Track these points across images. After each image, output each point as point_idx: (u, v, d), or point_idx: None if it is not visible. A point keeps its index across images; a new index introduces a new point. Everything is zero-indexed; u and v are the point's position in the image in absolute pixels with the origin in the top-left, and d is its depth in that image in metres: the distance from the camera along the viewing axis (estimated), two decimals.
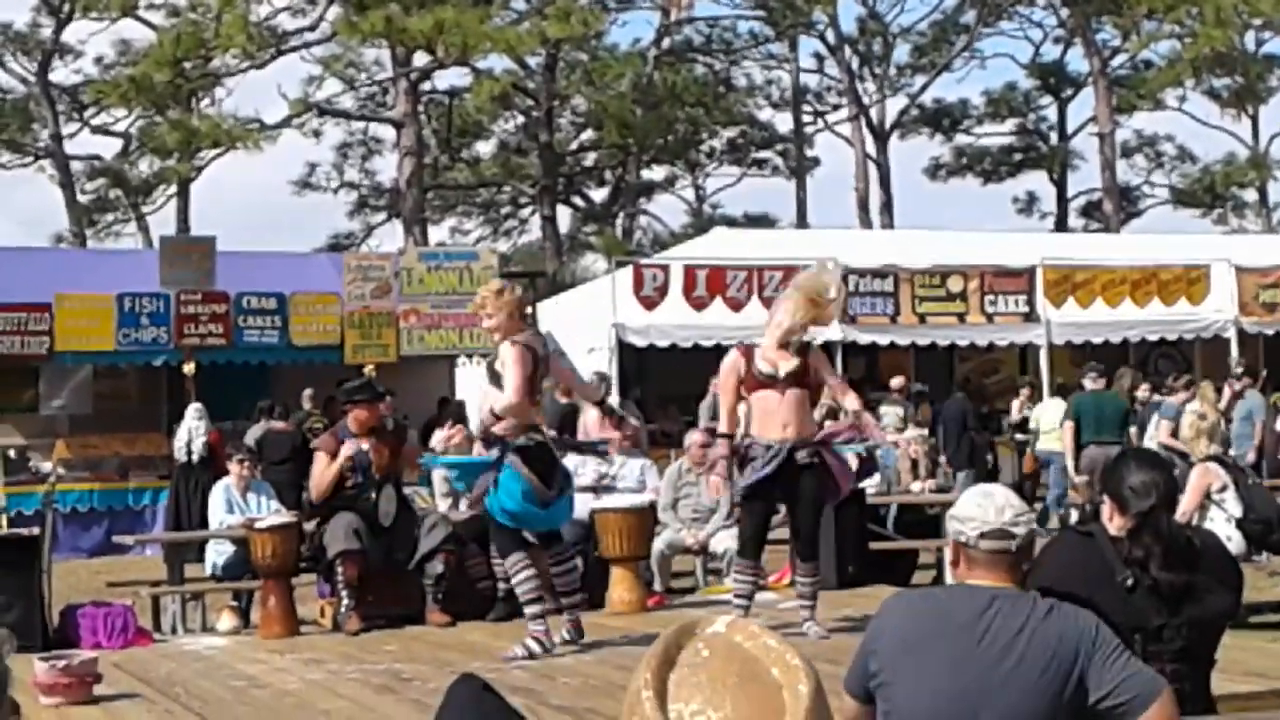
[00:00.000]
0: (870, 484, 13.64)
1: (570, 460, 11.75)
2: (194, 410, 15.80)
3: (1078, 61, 46.76)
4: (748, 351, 9.01)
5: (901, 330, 20.85)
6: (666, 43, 42.92)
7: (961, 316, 21.10)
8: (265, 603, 10.54)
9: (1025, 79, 48.02)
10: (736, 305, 19.48)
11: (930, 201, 69.70)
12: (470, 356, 21.49)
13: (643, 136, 41.50)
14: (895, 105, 47.30)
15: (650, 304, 19.55)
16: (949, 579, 4.27)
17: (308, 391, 18.68)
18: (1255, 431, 17.62)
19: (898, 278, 20.82)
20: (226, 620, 11.46)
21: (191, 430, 15.47)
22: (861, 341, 20.71)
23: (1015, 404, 20.43)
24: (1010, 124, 48.88)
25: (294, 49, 36.91)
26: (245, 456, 12.76)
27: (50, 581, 10.54)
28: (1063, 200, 47.89)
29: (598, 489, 11.70)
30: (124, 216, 43.80)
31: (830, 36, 44.96)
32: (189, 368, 18.61)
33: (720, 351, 19.73)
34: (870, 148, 45.53)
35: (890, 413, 17.56)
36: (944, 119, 48.22)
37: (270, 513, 11.62)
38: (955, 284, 21.09)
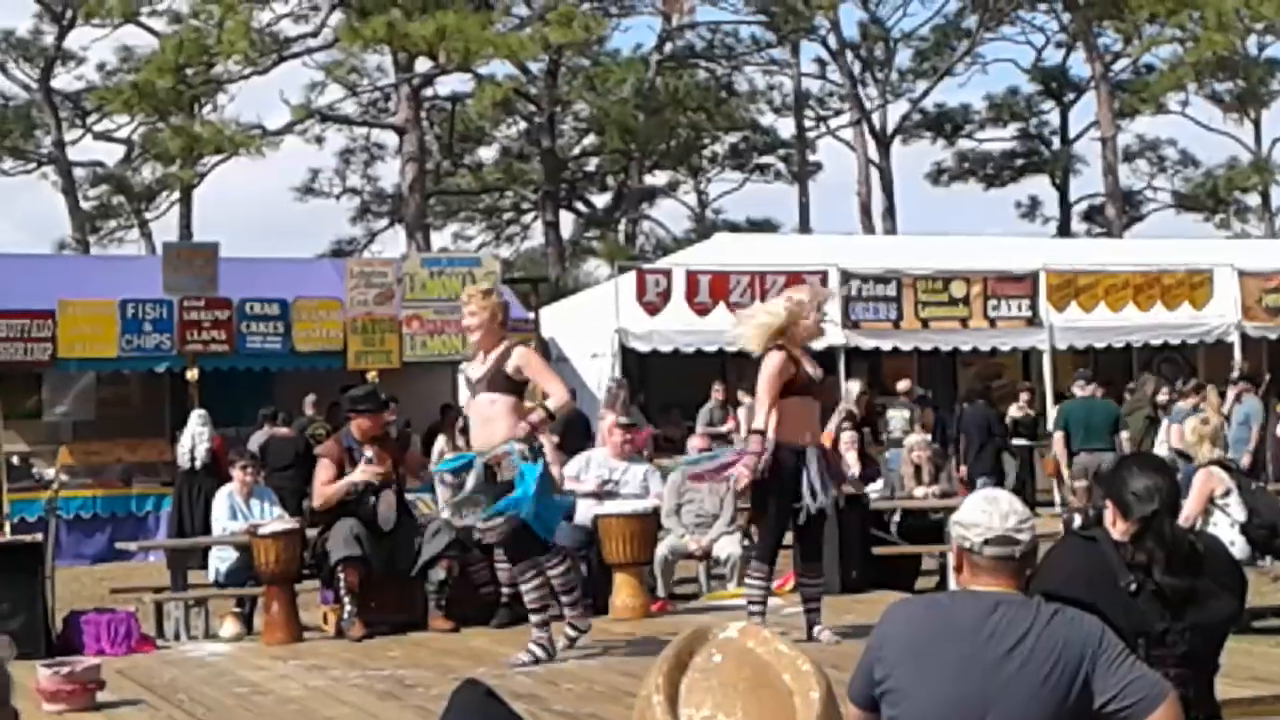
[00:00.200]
0: (874, 489, 13.67)
1: (572, 466, 11.80)
2: (197, 417, 15.81)
3: (1079, 66, 46.82)
4: (792, 355, 8.93)
5: (904, 335, 20.85)
6: (668, 48, 42.95)
7: (964, 321, 21.10)
8: (268, 609, 10.54)
9: (1027, 83, 48.08)
10: (739, 310, 19.47)
11: (933, 206, 69.70)
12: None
13: (645, 142, 41.53)
14: (897, 110, 47.38)
15: (653, 309, 19.56)
16: (952, 584, 4.28)
17: (310, 398, 18.68)
18: (1252, 436, 17.63)
19: (900, 283, 20.83)
20: (229, 626, 11.48)
21: (195, 436, 15.48)
22: (864, 347, 20.72)
23: (1013, 407, 20.41)
24: (1012, 128, 48.90)
25: (296, 55, 36.95)
26: (248, 463, 12.77)
27: (53, 588, 10.54)
28: (1065, 205, 47.88)
29: (601, 495, 11.69)
30: (127, 223, 43.82)
31: (832, 41, 45.00)
32: (192, 374, 18.60)
33: (723, 357, 19.93)
34: (872, 152, 45.53)
35: (897, 416, 17.58)
36: (946, 124, 48.22)
37: (273, 519, 11.63)
38: (958, 289, 21.10)
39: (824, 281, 19.27)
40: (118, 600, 12.07)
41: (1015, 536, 4.01)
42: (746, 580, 9.33)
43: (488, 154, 46.21)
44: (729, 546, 11.87)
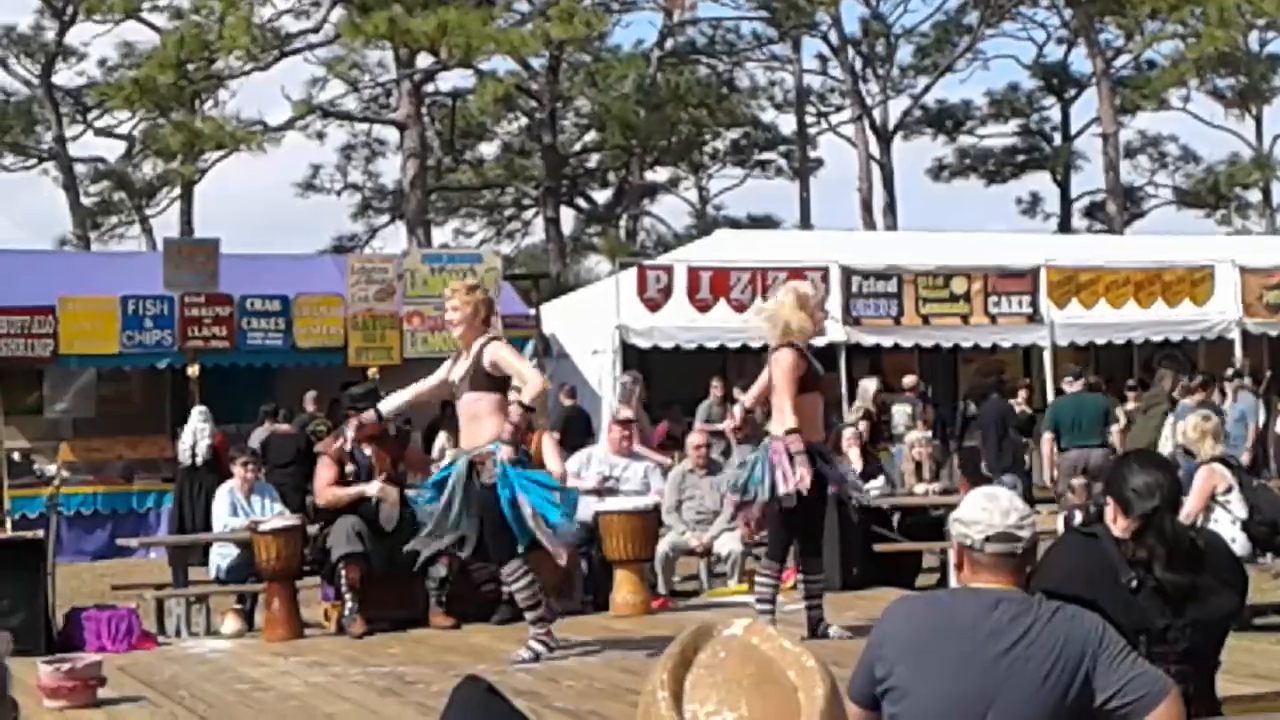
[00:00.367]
0: (874, 486, 13.66)
1: (573, 463, 11.80)
2: (199, 413, 15.81)
3: (1081, 62, 46.82)
4: (802, 352, 8.90)
5: (905, 332, 20.86)
6: (669, 44, 42.94)
7: (965, 318, 21.11)
8: (269, 606, 10.55)
9: (1028, 80, 48.08)
10: (740, 307, 19.48)
11: (934, 203, 69.82)
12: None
13: (646, 138, 41.51)
14: (898, 106, 47.39)
15: (654, 306, 19.56)
16: (953, 582, 4.28)
17: (310, 394, 18.68)
18: (1248, 434, 17.62)
19: (901, 279, 20.83)
20: (230, 623, 11.47)
21: (196, 433, 15.48)
22: (865, 343, 20.72)
23: (1012, 404, 20.38)
24: (1013, 125, 48.91)
25: (297, 51, 36.93)
26: (249, 459, 12.76)
27: (54, 585, 10.54)
28: (1066, 201, 47.87)
29: (602, 491, 11.70)
30: (128, 219, 43.82)
31: (833, 37, 45.00)
32: (193, 370, 18.60)
33: (724, 353, 19.92)
34: (874, 149, 45.52)
35: (900, 411, 17.58)
36: (947, 120, 48.21)
37: (274, 515, 11.62)
38: (959, 285, 21.10)
39: (824, 278, 19.32)
40: (119, 597, 12.08)
41: (1016, 534, 4.01)
42: (756, 577, 9.30)
43: (489, 150, 46.27)
44: (730, 543, 11.87)
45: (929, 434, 15.69)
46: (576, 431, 16.98)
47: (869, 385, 17.37)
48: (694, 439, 12.64)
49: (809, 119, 46.50)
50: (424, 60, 36.05)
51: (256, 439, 16.48)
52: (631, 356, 19.91)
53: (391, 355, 19.78)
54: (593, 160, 45.70)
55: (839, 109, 47.17)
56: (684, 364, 19.90)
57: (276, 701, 8.06)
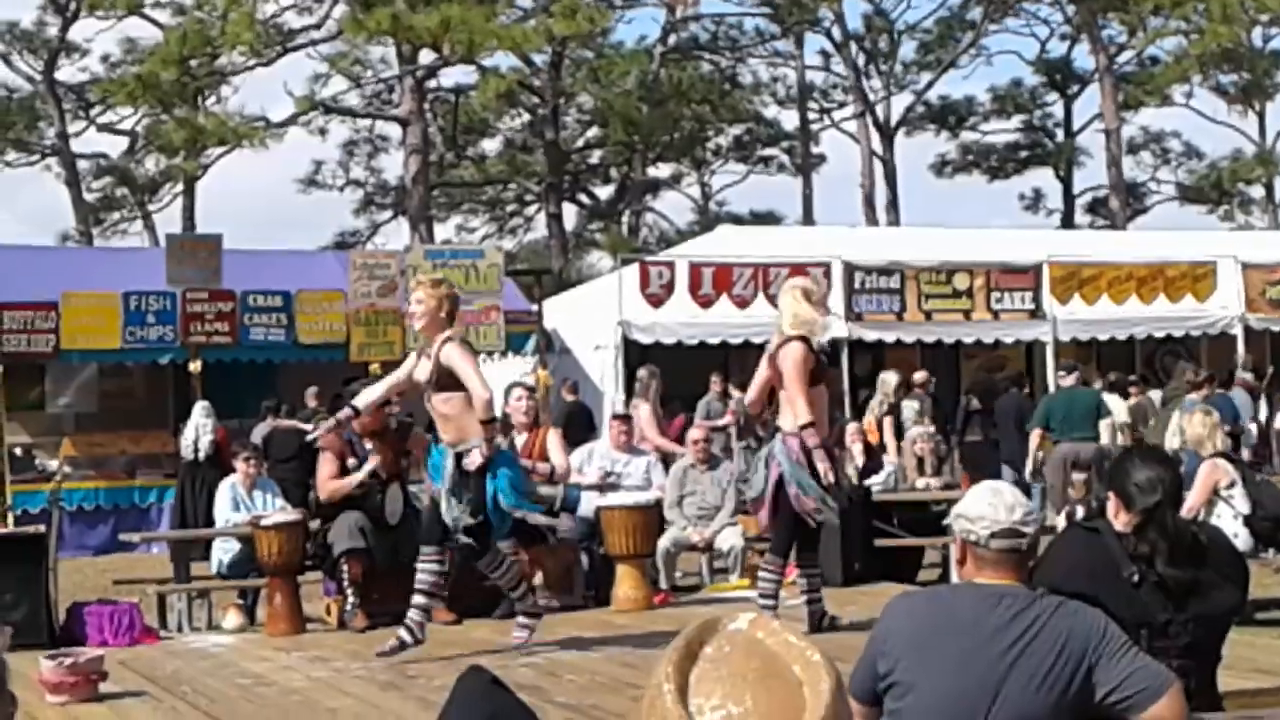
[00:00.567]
0: (876, 481, 13.67)
1: (575, 458, 11.81)
2: (201, 408, 15.82)
3: (1084, 58, 46.79)
4: (810, 346, 8.87)
5: (907, 327, 20.84)
6: (672, 40, 42.93)
7: (967, 314, 21.09)
8: (271, 601, 10.55)
9: (1031, 75, 48.08)
10: (742, 303, 19.49)
11: (936, 198, 69.73)
12: (476, 354, 21.47)
13: (648, 134, 41.51)
14: (901, 102, 47.39)
15: (656, 301, 19.55)
16: (954, 577, 4.27)
17: (312, 389, 18.68)
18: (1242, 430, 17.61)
19: (903, 275, 20.81)
20: (232, 618, 11.46)
21: (199, 428, 15.49)
22: (867, 339, 20.71)
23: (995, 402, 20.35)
24: (1016, 121, 48.91)
25: (300, 47, 36.94)
26: (251, 454, 12.77)
27: (56, 579, 10.55)
28: (1069, 197, 47.86)
29: (603, 487, 11.70)
30: (130, 215, 43.87)
31: (836, 33, 44.99)
32: (195, 366, 18.60)
33: (726, 349, 19.91)
34: (876, 145, 45.53)
35: (909, 407, 17.56)
36: (950, 116, 48.20)
37: (276, 511, 11.63)
38: (961, 281, 21.08)
39: (827, 274, 19.31)
40: (120, 592, 12.07)
41: (1021, 529, 4.01)
42: (760, 572, 9.29)
43: (491, 146, 46.29)
44: (731, 538, 11.87)
45: (930, 429, 15.68)
46: (579, 427, 16.97)
47: (890, 378, 17.37)
48: (694, 434, 12.63)
49: (812, 115, 46.51)
50: (426, 56, 36.03)
51: (258, 434, 16.49)
52: (633, 352, 19.91)
53: (393, 351, 19.74)
54: (595, 156, 45.71)
55: (842, 105, 47.23)
56: (686, 360, 19.88)
57: (278, 696, 8.07)
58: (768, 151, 47.66)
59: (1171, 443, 14.94)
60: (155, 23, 37.11)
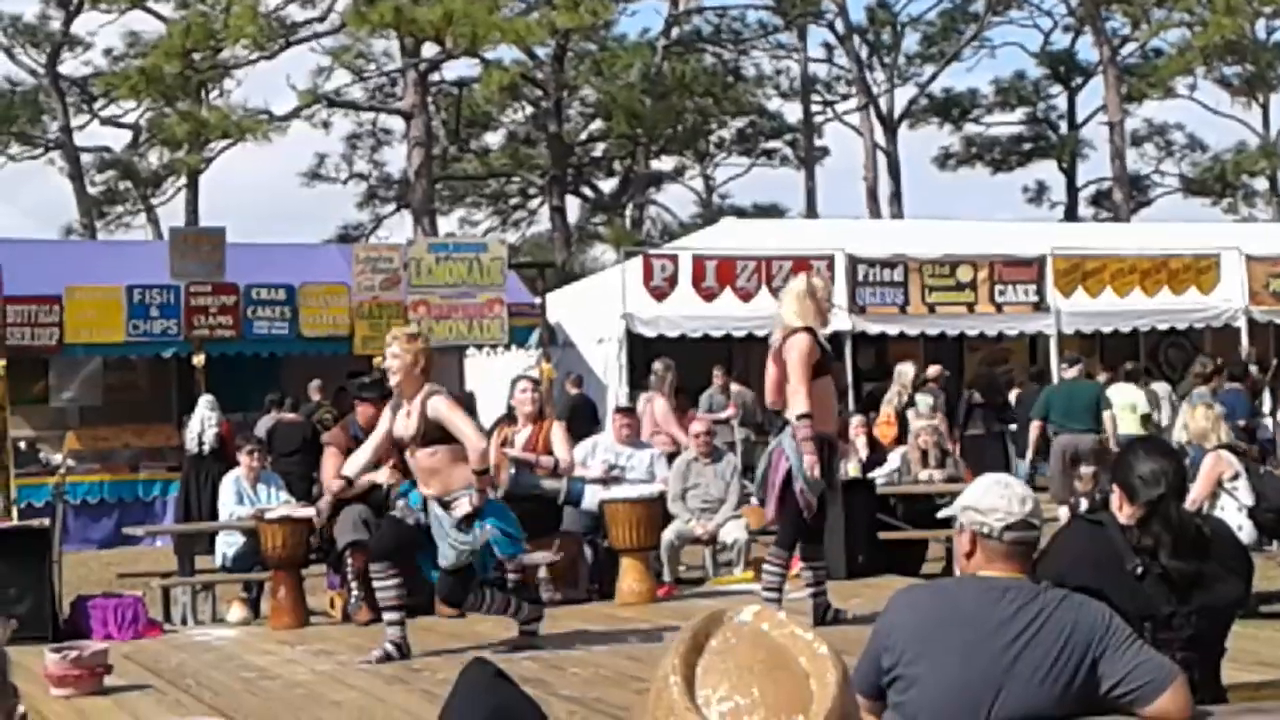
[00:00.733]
0: (880, 474, 13.66)
1: (579, 451, 11.80)
2: (206, 401, 15.81)
3: (1087, 50, 46.76)
4: (816, 337, 8.85)
5: (911, 320, 20.83)
6: (675, 33, 42.90)
7: (971, 306, 21.08)
8: (275, 594, 10.56)
9: (1035, 68, 48.03)
10: (746, 296, 19.48)
11: (940, 191, 69.83)
12: (480, 348, 21.50)
13: (651, 127, 41.50)
14: (904, 95, 47.36)
15: (659, 295, 19.55)
16: (957, 570, 4.27)
17: (315, 383, 18.69)
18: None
19: (907, 267, 20.81)
20: (236, 611, 11.49)
21: (204, 421, 15.48)
22: (871, 332, 20.70)
23: (1014, 395, 20.33)
24: (1020, 113, 48.85)
25: (303, 40, 36.94)
26: (255, 448, 12.78)
27: (61, 573, 10.56)
28: (1072, 189, 47.83)
29: (607, 480, 11.70)
30: (133, 208, 43.84)
31: (839, 26, 44.95)
32: (199, 359, 18.62)
33: (730, 342, 19.91)
34: (879, 137, 45.50)
35: (922, 401, 17.55)
36: (953, 108, 48.16)
37: (280, 504, 11.64)
38: (965, 274, 21.07)
39: (830, 267, 19.31)
40: (125, 585, 12.09)
41: (1033, 521, 4.03)
42: (764, 565, 9.28)
43: (494, 139, 46.25)
44: (735, 531, 11.87)
45: (934, 422, 15.66)
46: (582, 420, 16.97)
47: (907, 370, 17.35)
48: (696, 427, 12.63)
49: (815, 107, 46.46)
50: (429, 49, 36.03)
51: (262, 428, 16.50)
52: (637, 345, 19.91)
53: None
54: (598, 149, 45.69)
55: (845, 97, 47.16)
56: (689, 353, 19.87)
57: (282, 689, 8.07)
58: (771, 144, 47.63)
59: (1180, 436, 14.95)
60: (158, 16, 37.13)
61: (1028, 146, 48.78)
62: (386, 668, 8.42)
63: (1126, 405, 17.51)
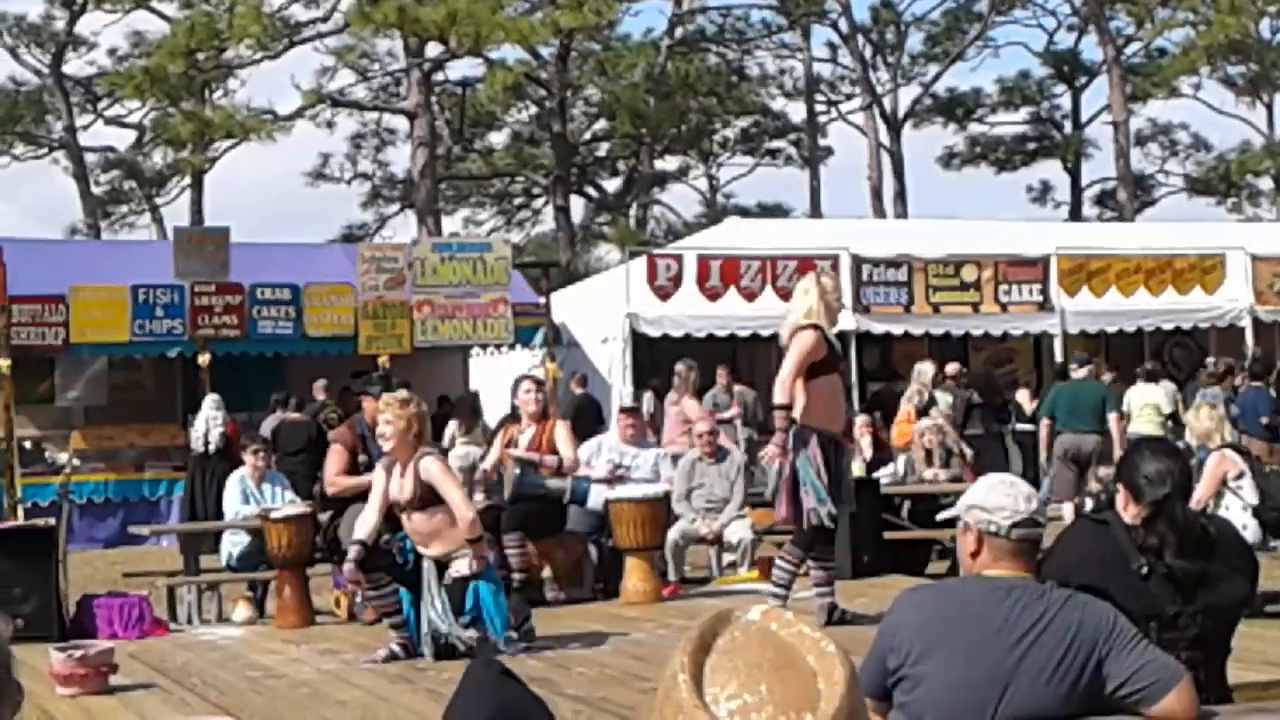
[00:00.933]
0: (885, 473, 13.66)
1: (583, 451, 11.81)
2: (211, 401, 15.82)
3: (1091, 50, 46.74)
4: (825, 335, 8.79)
5: (915, 320, 20.83)
6: (679, 32, 42.89)
7: (975, 306, 21.08)
8: (280, 593, 10.57)
9: (1039, 67, 48.02)
10: (750, 295, 19.48)
11: (944, 191, 69.78)
12: (484, 348, 21.52)
13: (655, 126, 41.50)
14: (908, 94, 47.37)
15: (664, 294, 19.55)
16: (962, 570, 4.27)
17: (320, 382, 18.70)
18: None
19: (911, 267, 20.80)
20: (242, 611, 11.49)
21: (209, 420, 15.49)
22: (875, 331, 20.70)
23: (1022, 395, 20.31)
24: (1024, 113, 48.84)
25: (307, 40, 36.94)
26: (260, 447, 12.79)
27: (66, 572, 10.56)
28: (1077, 189, 47.81)
29: (612, 479, 11.70)
30: (138, 208, 43.89)
31: (843, 25, 44.95)
32: (203, 359, 18.64)
33: (734, 341, 19.91)
34: (884, 137, 45.49)
35: (942, 400, 17.57)
36: (957, 108, 48.15)
37: (285, 503, 11.65)
38: (969, 273, 21.07)
39: (835, 266, 19.31)
40: (130, 584, 12.10)
41: (1039, 519, 4.04)
42: (777, 560, 9.22)
43: (498, 139, 46.26)
44: (740, 531, 11.87)
45: (939, 421, 15.66)
46: (587, 420, 16.98)
47: (927, 369, 17.35)
48: (700, 427, 12.63)
49: (819, 107, 46.48)
50: (433, 49, 36.03)
51: (267, 427, 16.51)
52: (641, 345, 19.92)
53: (401, 344, 19.80)
54: (602, 149, 45.70)
55: (849, 97, 47.16)
56: (694, 352, 19.86)
57: (288, 689, 8.08)
58: (775, 144, 47.64)
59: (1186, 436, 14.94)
60: (162, 16, 37.14)
61: (1032, 146, 48.78)
62: (391, 667, 8.42)
63: (1150, 405, 17.52)
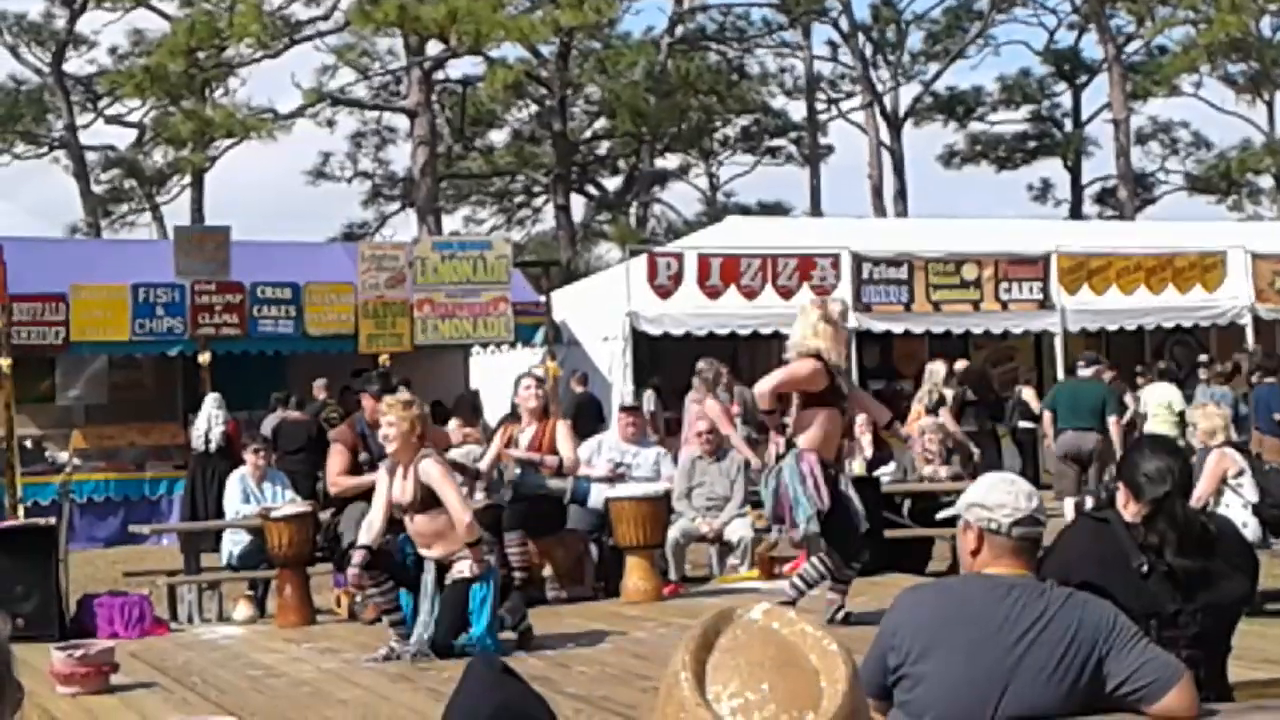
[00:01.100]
0: (885, 472, 13.65)
1: (584, 450, 11.81)
2: (212, 399, 15.82)
3: (1092, 48, 46.77)
4: (828, 368, 8.68)
5: (916, 318, 20.83)
6: (679, 31, 42.90)
7: (976, 304, 21.08)
8: (281, 592, 10.57)
9: (1039, 65, 48.04)
10: (750, 294, 19.48)
11: (944, 189, 69.57)
12: (485, 346, 21.51)
13: (656, 125, 41.50)
14: (909, 92, 47.39)
15: (664, 293, 19.55)
16: (962, 568, 4.27)
17: (320, 381, 18.70)
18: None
19: (912, 265, 20.80)
20: (243, 609, 11.50)
21: (210, 419, 15.49)
22: (876, 330, 20.69)
23: (1025, 392, 20.31)
24: (1024, 111, 48.86)
25: (307, 38, 36.94)
26: (261, 446, 12.80)
27: (67, 571, 10.57)
28: (1077, 187, 47.82)
29: (612, 478, 11.70)
30: (138, 207, 43.90)
31: (844, 24, 44.99)
32: (204, 357, 18.64)
33: (735, 340, 19.89)
34: (884, 135, 45.49)
35: (951, 397, 17.56)
36: (958, 106, 48.16)
37: (286, 502, 11.65)
38: (970, 271, 21.06)
39: (835, 264, 19.31)
40: (131, 583, 12.10)
41: (1039, 517, 4.04)
42: (812, 559, 9.19)
43: (499, 137, 46.29)
44: (740, 529, 11.87)
45: (940, 419, 15.66)
46: (588, 418, 16.99)
47: (938, 368, 17.33)
48: (700, 426, 12.62)
49: (819, 105, 46.50)
50: (434, 47, 36.03)
51: (268, 426, 16.51)
52: (641, 343, 19.92)
53: (402, 342, 19.80)
54: (603, 147, 45.70)
55: (849, 95, 47.18)
56: (694, 351, 19.84)
57: (289, 688, 8.08)
58: (775, 142, 47.65)
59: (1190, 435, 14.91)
60: (163, 14, 37.16)
61: (1032, 144, 48.79)
62: (392, 665, 8.42)
63: (1163, 404, 17.52)
